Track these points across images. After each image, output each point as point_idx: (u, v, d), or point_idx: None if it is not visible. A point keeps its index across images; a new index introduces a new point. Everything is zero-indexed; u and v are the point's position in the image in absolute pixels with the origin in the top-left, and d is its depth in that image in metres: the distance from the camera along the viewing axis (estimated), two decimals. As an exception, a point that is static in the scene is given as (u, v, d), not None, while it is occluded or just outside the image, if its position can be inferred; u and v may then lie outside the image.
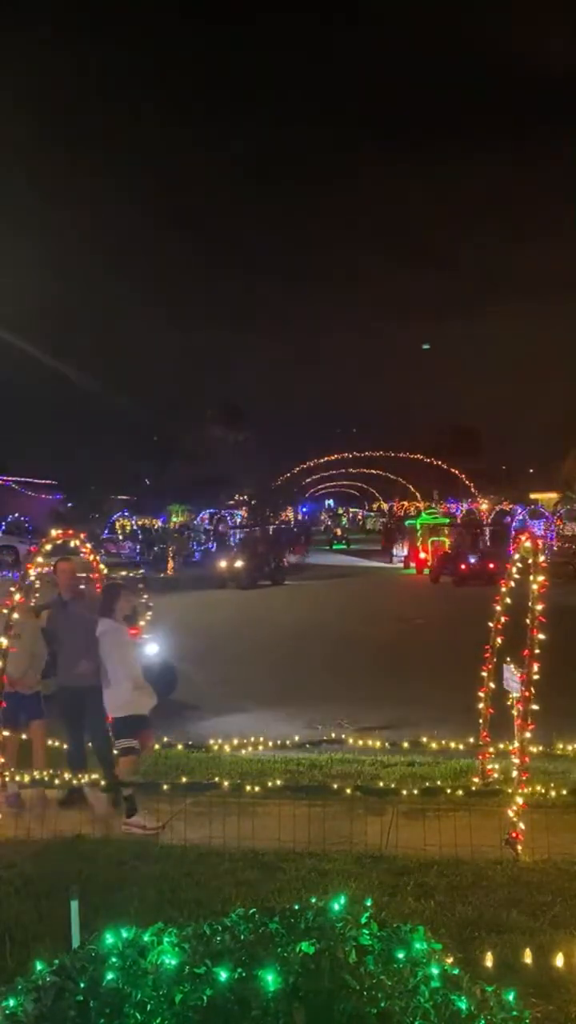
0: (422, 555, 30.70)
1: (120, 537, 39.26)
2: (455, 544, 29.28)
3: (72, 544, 8.08)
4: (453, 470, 49.26)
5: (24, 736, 7.62)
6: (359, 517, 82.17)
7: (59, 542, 7.87)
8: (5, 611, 7.00)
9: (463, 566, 26.58)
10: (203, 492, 56.65)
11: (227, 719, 9.74)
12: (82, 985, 2.47)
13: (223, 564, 27.68)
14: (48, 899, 5.22)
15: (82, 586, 7.92)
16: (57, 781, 7.10)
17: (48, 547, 7.69)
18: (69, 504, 47.80)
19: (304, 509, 70.38)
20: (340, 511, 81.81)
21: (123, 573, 16.35)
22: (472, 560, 26.85)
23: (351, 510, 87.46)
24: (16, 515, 37.59)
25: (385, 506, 74.65)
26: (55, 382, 50.42)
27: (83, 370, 52.95)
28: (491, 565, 26.78)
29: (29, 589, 7.49)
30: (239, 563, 27.22)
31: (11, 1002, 2.50)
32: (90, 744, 7.60)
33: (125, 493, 56.85)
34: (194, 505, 55.49)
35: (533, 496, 56.62)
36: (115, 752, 7.01)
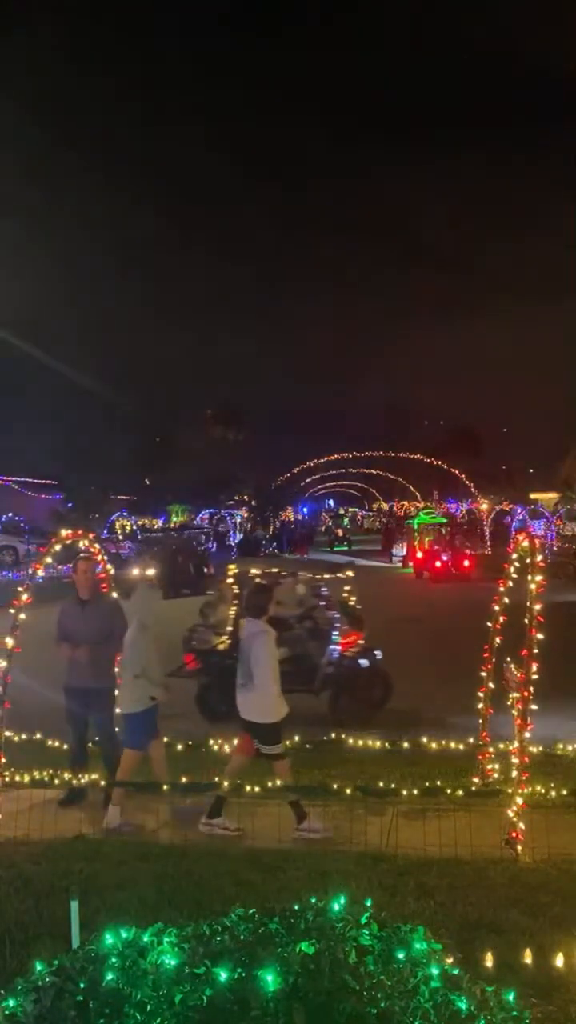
0: (419, 555, 30.83)
1: (120, 537, 39.20)
2: (432, 541, 29.85)
3: (81, 544, 8.05)
4: (453, 470, 49.23)
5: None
6: (359, 517, 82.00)
7: (68, 542, 7.84)
8: (11, 611, 6.98)
9: (437, 563, 27.58)
10: (203, 492, 56.62)
11: (226, 719, 9.72)
12: (82, 985, 2.47)
13: (135, 573, 25.75)
14: (48, 899, 5.22)
15: (102, 586, 7.86)
16: (57, 781, 7.09)
17: (57, 547, 7.66)
18: (69, 504, 47.74)
19: (304, 509, 70.27)
20: (341, 511, 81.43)
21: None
22: (445, 557, 27.77)
23: (351, 510, 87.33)
24: (11, 515, 37.53)
25: (385, 506, 74.65)
26: (55, 382, 50.40)
27: (83, 370, 52.91)
28: (466, 562, 27.40)
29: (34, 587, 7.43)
30: (152, 572, 25.05)
31: (11, 1002, 2.50)
32: (91, 744, 7.61)
33: (125, 493, 56.82)
34: (194, 505, 55.48)
35: (533, 496, 56.59)
36: (267, 755, 6.78)
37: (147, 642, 7.11)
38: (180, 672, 10.72)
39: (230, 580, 10.96)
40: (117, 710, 7.32)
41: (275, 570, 11.52)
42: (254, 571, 10.35)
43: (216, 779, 6.71)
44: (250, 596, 7.18)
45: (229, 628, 10.54)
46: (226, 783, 6.57)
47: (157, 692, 7.08)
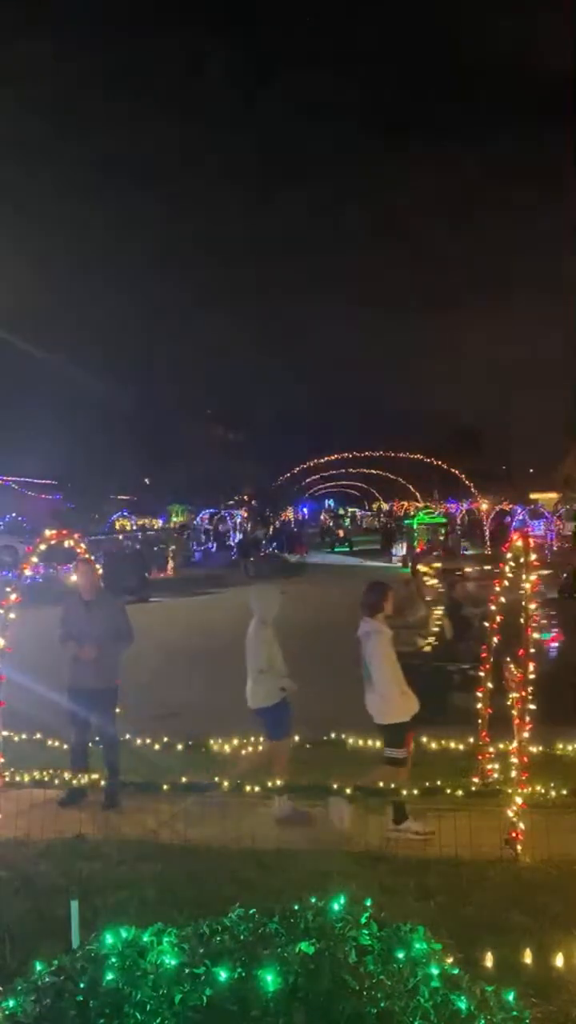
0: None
1: (120, 537, 39.19)
2: (423, 542, 30.10)
3: (67, 544, 8.05)
4: (453, 470, 49.23)
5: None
6: (358, 517, 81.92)
7: (54, 542, 7.84)
8: (1, 611, 6.98)
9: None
10: (203, 492, 56.61)
11: (226, 719, 9.72)
12: (82, 985, 2.47)
13: (73, 579, 24.00)
14: (48, 899, 5.22)
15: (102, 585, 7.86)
16: (57, 781, 7.09)
17: (43, 547, 7.66)
18: (69, 504, 47.73)
19: (304, 509, 70.28)
20: (342, 511, 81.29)
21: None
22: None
23: (351, 510, 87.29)
24: (13, 515, 37.54)
25: (385, 506, 74.63)
26: (55, 382, 50.36)
27: (84, 370, 52.91)
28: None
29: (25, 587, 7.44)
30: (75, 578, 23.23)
31: (11, 1002, 2.50)
32: (91, 745, 7.62)
33: (125, 493, 56.82)
34: (194, 505, 55.46)
35: (533, 496, 56.60)
36: (386, 758, 6.70)
37: (268, 637, 7.19)
38: None
39: (431, 579, 10.88)
40: (259, 705, 7.25)
41: (456, 568, 11.46)
42: (425, 569, 10.25)
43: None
44: (366, 594, 7.01)
45: (435, 628, 10.46)
46: (415, 790, 6.44)
47: (285, 683, 7.13)
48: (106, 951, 2.60)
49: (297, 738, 8.57)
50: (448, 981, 2.54)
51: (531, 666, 6.20)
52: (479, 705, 7.39)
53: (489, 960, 4.18)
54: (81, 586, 7.62)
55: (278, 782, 6.82)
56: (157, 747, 8.27)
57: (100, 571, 7.98)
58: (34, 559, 7.67)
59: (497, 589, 7.16)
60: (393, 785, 6.54)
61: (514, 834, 6.01)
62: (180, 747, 8.34)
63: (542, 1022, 3.69)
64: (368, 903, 2.82)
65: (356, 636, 6.86)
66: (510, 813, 6.06)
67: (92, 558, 7.86)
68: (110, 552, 28.57)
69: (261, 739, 8.49)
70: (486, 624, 7.47)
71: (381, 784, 6.48)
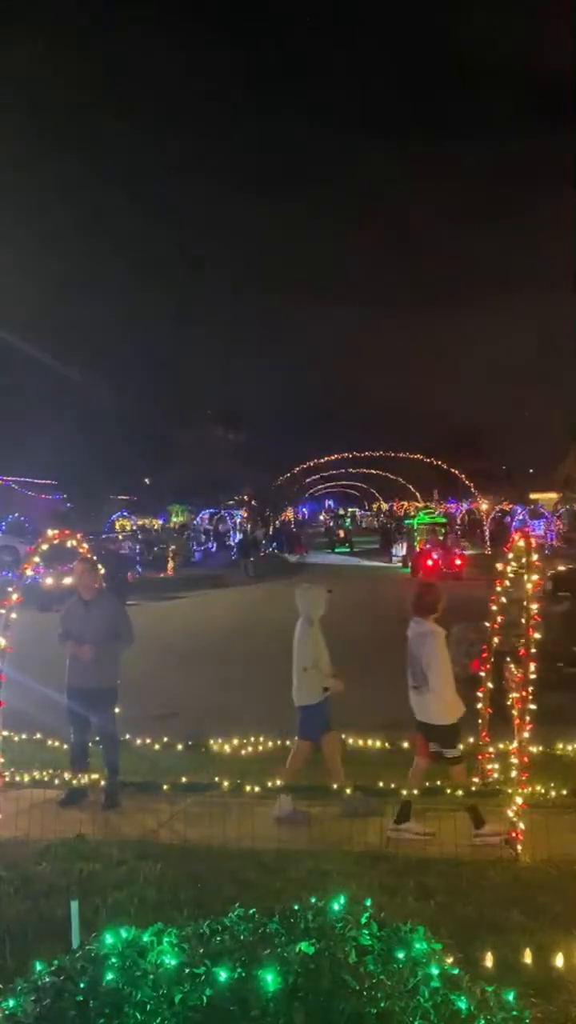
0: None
1: (120, 537, 39.19)
2: (423, 541, 30.13)
3: (69, 544, 8.05)
4: (453, 470, 49.24)
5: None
6: (358, 517, 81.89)
7: (56, 542, 7.84)
8: (3, 611, 6.98)
9: (428, 562, 27.81)
10: (203, 492, 56.59)
11: (226, 719, 9.73)
12: (82, 985, 2.47)
13: (50, 582, 22.18)
14: (48, 899, 5.22)
15: (100, 585, 7.85)
16: (57, 781, 7.09)
17: (45, 547, 7.66)
18: (69, 504, 47.72)
19: (304, 509, 70.27)
20: (342, 511, 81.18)
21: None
22: (436, 556, 28.07)
23: (350, 510, 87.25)
24: (16, 515, 37.52)
25: (385, 506, 74.65)
26: (55, 382, 50.33)
27: (84, 370, 52.89)
28: (457, 561, 27.61)
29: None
30: (68, 581, 20.93)
31: (11, 1002, 2.50)
32: (91, 744, 7.61)
33: (125, 493, 56.79)
34: (194, 505, 55.44)
35: (533, 496, 56.63)
36: (445, 759, 6.63)
37: (315, 636, 7.17)
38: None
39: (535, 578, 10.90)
40: (302, 703, 7.21)
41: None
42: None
43: (392, 786, 6.58)
44: (418, 594, 6.93)
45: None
46: (415, 790, 6.44)
47: (330, 683, 7.12)
48: (106, 951, 2.60)
49: (297, 738, 8.58)
50: (448, 981, 2.53)
51: (531, 666, 6.20)
52: (479, 705, 7.39)
53: (489, 960, 4.18)
54: (79, 585, 7.62)
55: (278, 782, 6.83)
56: (157, 747, 8.28)
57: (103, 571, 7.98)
58: (36, 559, 7.67)
59: (498, 589, 7.17)
60: (393, 785, 6.55)
61: (514, 834, 6.01)
62: (180, 747, 8.34)
63: (542, 1022, 3.69)
64: (368, 903, 2.82)
65: (407, 637, 6.76)
66: (510, 813, 6.07)
67: (89, 558, 7.84)
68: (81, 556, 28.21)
69: (261, 739, 8.51)
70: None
71: (455, 785, 6.46)
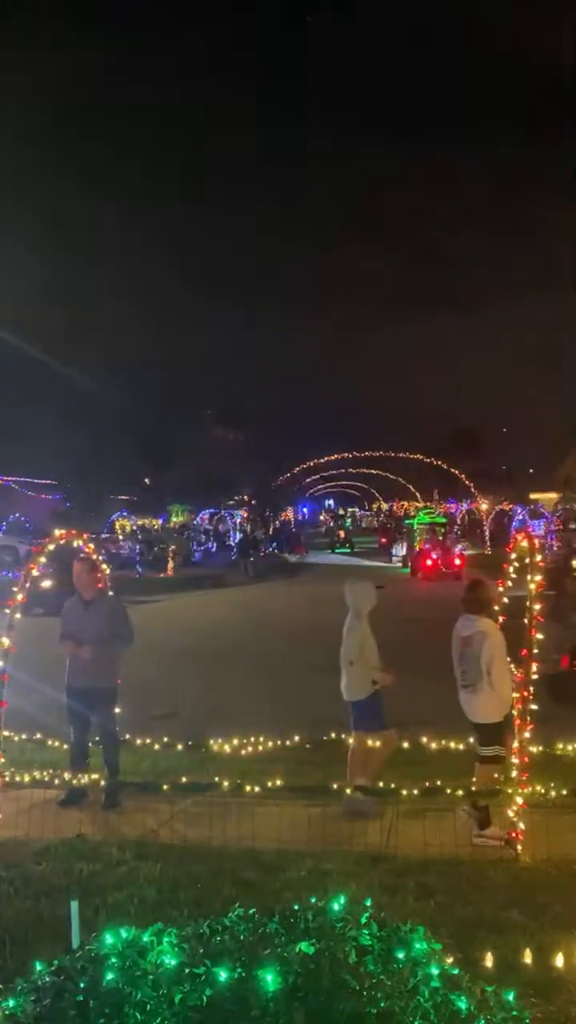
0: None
1: (120, 537, 39.20)
2: (423, 541, 30.22)
3: (75, 544, 8.05)
4: (453, 470, 49.23)
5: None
6: (358, 517, 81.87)
7: (62, 542, 7.84)
8: (6, 611, 6.98)
9: (428, 562, 28.12)
10: (203, 492, 56.60)
11: (226, 719, 9.73)
12: (82, 985, 2.47)
13: (27, 586, 21.90)
14: (48, 899, 5.22)
15: (100, 586, 7.86)
16: (57, 781, 7.09)
17: (51, 547, 7.66)
18: (69, 504, 47.74)
19: (304, 509, 70.27)
20: (343, 511, 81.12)
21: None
22: (435, 556, 28.34)
23: (350, 510, 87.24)
24: (17, 515, 37.54)
25: (385, 506, 74.65)
26: (55, 382, 50.38)
27: (84, 370, 52.92)
28: (456, 561, 27.66)
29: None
30: (47, 584, 19.68)
31: (11, 1002, 2.50)
32: (91, 744, 7.61)
33: (125, 493, 56.80)
34: (194, 505, 55.45)
35: (533, 496, 56.59)
36: (481, 757, 6.61)
37: (363, 630, 7.20)
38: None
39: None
40: (352, 698, 7.22)
41: None
42: None
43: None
44: (470, 591, 6.85)
45: None
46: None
47: (377, 676, 7.13)
48: (106, 951, 2.60)
49: (297, 738, 8.59)
50: (448, 981, 2.53)
51: (533, 666, 6.20)
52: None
53: (489, 960, 4.18)
54: (78, 585, 7.62)
55: (278, 783, 6.82)
56: (157, 747, 8.28)
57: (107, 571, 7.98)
58: (42, 559, 7.67)
59: (501, 590, 7.16)
60: (394, 785, 6.55)
61: (514, 834, 6.01)
62: (180, 747, 8.34)
63: (542, 1022, 3.69)
64: (368, 903, 2.82)
65: (459, 635, 6.69)
66: (510, 813, 6.06)
67: (86, 558, 7.84)
68: (59, 559, 28.06)
69: (261, 739, 8.51)
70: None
71: (479, 784, 6.42)
